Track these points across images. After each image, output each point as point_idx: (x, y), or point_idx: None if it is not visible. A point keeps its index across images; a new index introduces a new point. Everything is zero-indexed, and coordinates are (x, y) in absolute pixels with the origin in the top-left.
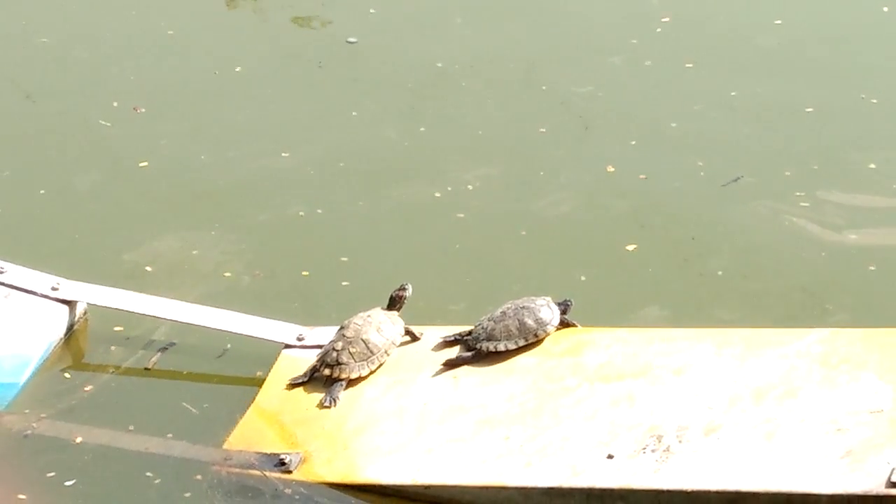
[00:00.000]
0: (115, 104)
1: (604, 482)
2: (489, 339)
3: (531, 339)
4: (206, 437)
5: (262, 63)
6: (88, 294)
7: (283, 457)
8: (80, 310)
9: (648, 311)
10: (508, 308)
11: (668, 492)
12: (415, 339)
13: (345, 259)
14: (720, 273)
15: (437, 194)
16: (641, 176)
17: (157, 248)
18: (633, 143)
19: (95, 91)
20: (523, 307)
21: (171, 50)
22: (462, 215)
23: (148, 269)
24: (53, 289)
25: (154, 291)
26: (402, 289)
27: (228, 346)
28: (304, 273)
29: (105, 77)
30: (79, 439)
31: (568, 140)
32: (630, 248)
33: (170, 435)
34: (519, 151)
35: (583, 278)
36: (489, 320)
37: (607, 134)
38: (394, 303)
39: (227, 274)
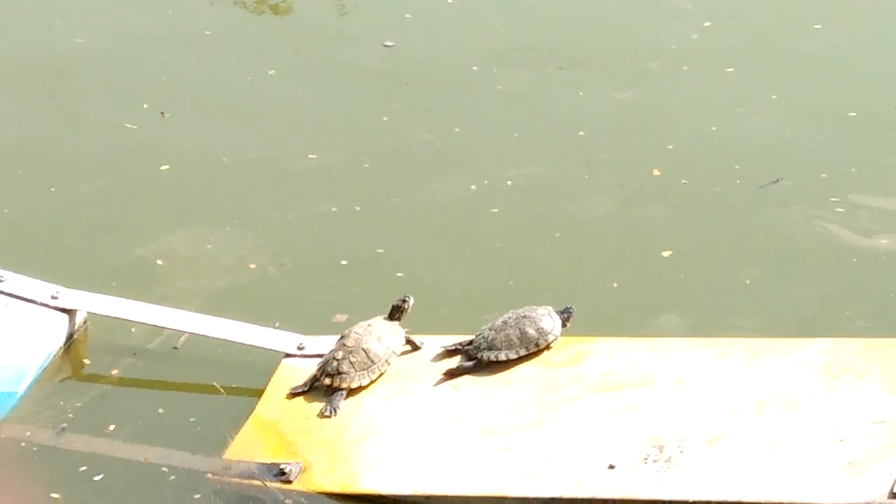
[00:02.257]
0: (145, 106)
1: (605, 492)
2: (490, 348)
3: (532, 349)
4: (206, 447)
5: (297, 67)
6: (88, 303)
7: (283, 467)
8: (79, 319)
9: (667, 319)
10: (509, 317)
11: (670, 502)
12: (415, 348)
13: (381, 251)
14: (748, 282)
15: (473, 187)
16: (683, 181)
17: (170, 243)
18: (671, 147)
19: (126, 93)
20: (524, 316)
21: (207, 51)
22: (496, 210)
23: (158, 262)
24: (53, 297)
25: (166, 285)
26: (404, 300)
27: (229, 355)
28: (343, 262)
29: (137, 79)
30: (77, 449)
31: (608, 144)
32: (666, 254)
33: (170, 445)
34: (556, 153)
35: (615, 285)
36: (490, 329)
37: (647, 138)
38: (395, 312)
39: (252, 266)
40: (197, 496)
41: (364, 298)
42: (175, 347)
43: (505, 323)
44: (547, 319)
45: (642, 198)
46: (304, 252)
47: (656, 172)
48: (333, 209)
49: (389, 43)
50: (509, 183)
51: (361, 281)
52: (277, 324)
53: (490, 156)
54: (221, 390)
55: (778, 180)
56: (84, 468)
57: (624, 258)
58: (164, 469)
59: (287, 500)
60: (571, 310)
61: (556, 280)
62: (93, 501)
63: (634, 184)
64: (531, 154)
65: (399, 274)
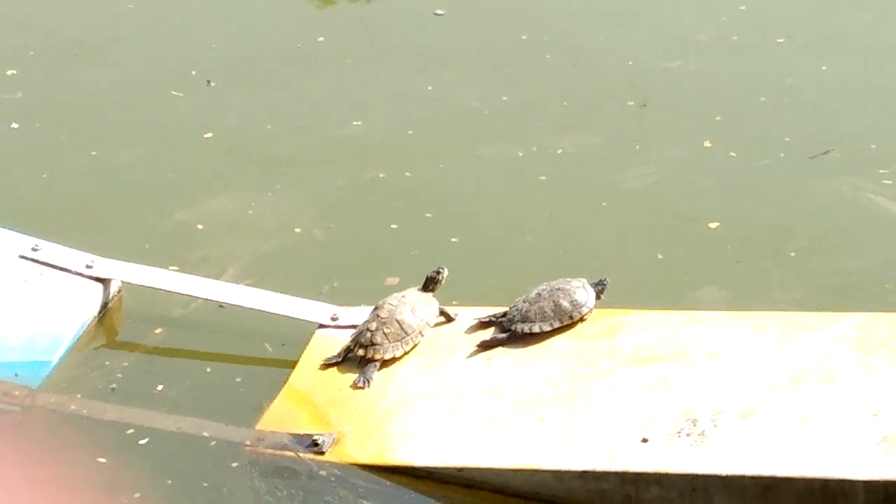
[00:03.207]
0: (193, 73)
1: (638, 466)
2: (524, 320)
3: (566, 322)
4: (241, 417)
5: (346, 35)
6: (123, 272)
7: (316, 438)
8: (114, 288)
9: (707, 292)
10: (543, 289)
11: (703, 476)
12: (449, 319)
13: (429, 215)
14: (792, 254)
15: (521, 153)
16: (732, 153)
17: (211, 207)
18: (718, 118)
19: (175, 60)
20: (558, 289)
21: (258, 18)
22: (544, 178)
23: (199, 226)
24: (88, 266)
25: (207, 248)
26: (438, 272)
27: (264, 324)
28: (394, 226)
29: (187, 45)
30: (110, 418)
31: (656, 114)
32: (713, 225)
33: (203, 415)
34: (604, 123)
35: (660, 256)
36: (524, 301)
37: (697, 108)
38: (429, 284)
39: (297, 230)
40: (235, 464)
41: (415, 262)
42: (221, 306)
43: (539, 295)
44: (581, 292)
45: (692, 168)
46: (352, 216)
47: (707, 144)
48: (381, 175)
49: (440, 11)
50: (559, 151)
51: (412, 245)
52: (326, 288)
53: (538, 124)
54: (269, 348)
55: (828, 151)
56: (120, 437)
57: (671, 229)
58: (205, 434)
59: (320, 471)
60: (605, 282)
61: (602, 251)
62: (139, 465)
63: (684, 154)
64: (579, 123)
65: (454, 239)
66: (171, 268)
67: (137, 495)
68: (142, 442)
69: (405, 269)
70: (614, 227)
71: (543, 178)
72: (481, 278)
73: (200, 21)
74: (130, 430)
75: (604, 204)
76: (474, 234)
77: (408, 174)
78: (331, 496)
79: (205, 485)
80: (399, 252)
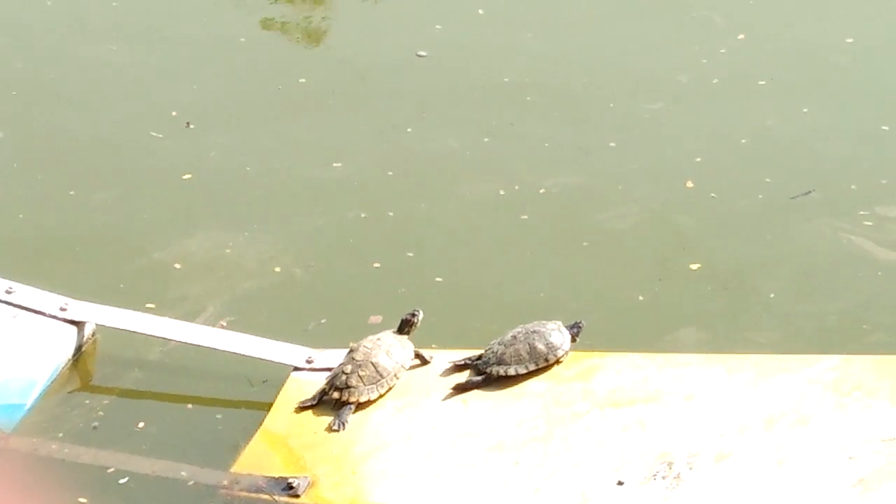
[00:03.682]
0: (174, 114)
1: None
2: (499, 363)
3: (542, 364)
4: (216, 460)
5: (328, 75)
6: (97, 315)
7: (291, 481)
8: (88, 330)
9: (686, 333)
10: (519, 332)
11: None
12: (424, 362)
13: (410, 254)
14: (772, 295)
15: (502, 192)
16: (712, 194)
17: (189, 247)
18: (699, 159)
19: (155, 101)
20: (534, 331)
21: (240, 59)
22: (525, 217)
23: (176, 266)
24: (62, 309)
25: (186, 288)
26: (413, 315)
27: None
28: (376, 265)
29: (169, 86)
30: (85, 461)
31: (638, 155)
32: (694, 266)
33: (178, 458)
34: (586, 163)
35: (640, 298)
36: (499, 344)
37: (678, 150)
38: (404, 327)
39: (277, 269)
40: (220, 495)
41: (398, 300)
42: (223, 325)
43: (514, 338)
44: (556, 334)
45: (673, 209)
46: (333, 256)
47: (689, 184)
48: (363, 215)
49: (422, 53)
50: (541, 191)
51: (395, 283)
52: (312, 325)
53: (519, 165)
54: (252, 385)
55: (810, 192)
56: (93, 479)
57: (652, 270)
58: (182, 475)
59: None
60: (581, 324)
61: (583, 291)
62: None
63: (665, 195)
64: (560, 163)
65: (438, 279)
66: (147, 306)
67: None
68: (121, 481)
69: (388, 308)
70: (595, 267)
71: (525, 217)
72: (462, 318)
73: (182, 62)
74: (110, 470)
75: (585, 244)
76: (456, 273)
77: (390, 213)
78: None
79: None
80: (382, 291)
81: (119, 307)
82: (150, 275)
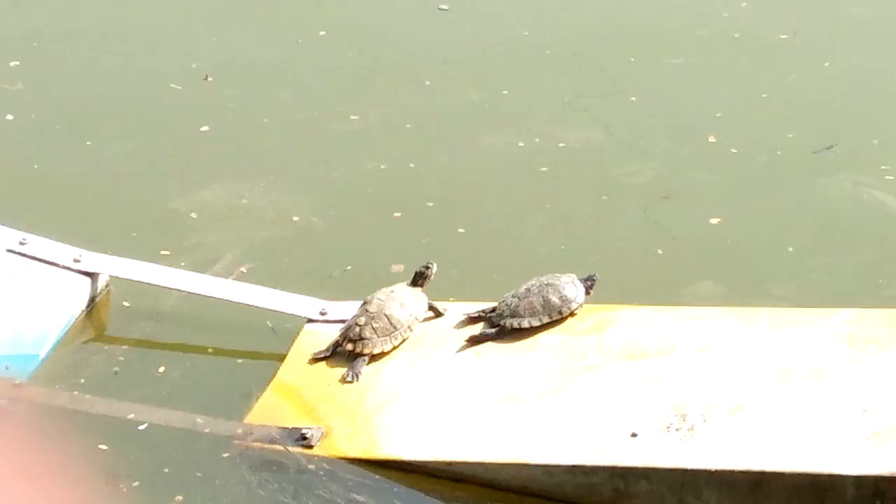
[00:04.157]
0: (194, 66)
1: (627, 461)
2: (513, 315)
3: (555, 317)
4: (229, 411)
5: (349, 28)
6: (110, 266)
7: (304, 431)
8: (102, 282)
9: (702, 287)
10: (532, 285)
11: (692, 471)
12: (438, 314)
13: (430, 204)
14: (790, 250)
15: (521, 144)
16: (733, 149)
17: (205, 197)
18: (720, 114)
19: (176, 53)
20: (548, 284)
21: (260, 13)
22: (545, 170)
23: (193, 215)
24: (75, 261)
25: (203, 237)
26: (427, 267)
27: (252, 319)
28: (396, 214)
29: (190, 38)
30: (99, 411)
31: (659, 110)
32: (714, 221)
33: (191, 409)
34: (607, 119)
35: (659, 251)
36: (513, 297)
37: (699, 104)
38: (418, 279)
39: (295, 218)
40: (226, 455)
41: (419, 250)
42: (242, 271)
43: (528, 290)
44: (570, 287)
45: (694, 164)
46: (353, 206)
47: (711, 139)
48: (382, 166)
49: (444, 6)
50: (561, 145)
51: (416, 233)
52: (337, 272)
53: (539, 118)
54: (274, 330)
55: (832, 146)
56: (106, 430)
57: (671, 224)
58: (196, 423)
59: (309, 465)
60: (595, 277)
61: (603, 246)
62: (138, 452)
63: (686, 150)
64: (580, 118)
65: (461, 230)
66: (162, 253)
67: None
68: (140, 428)
69: (409, 257)
70: (614, 221)
71: (545, 169)
72: (483, 270)
73: (203, 14)
74: (130, 416)
75: (604, 197)
76: (476, 225)
77: (411, 165)
78: (322, 490)
79: (199, 475)
80: (403, 240)
81: (134, 256)
82: (165, 224)
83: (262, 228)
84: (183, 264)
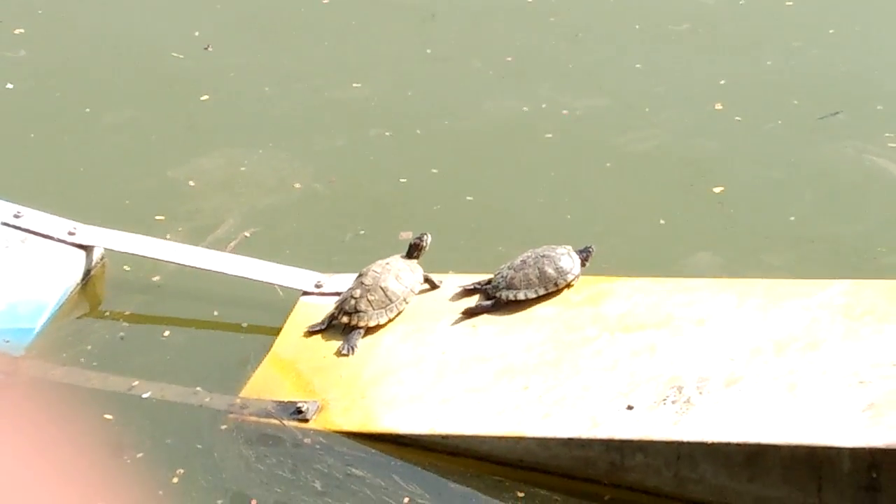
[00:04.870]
0: (196, 34)
1: (623, 433)
2: (509, 287)
3: (551, 289)
4: (223, 385)
5: None
6: (105, 239)
7: (300, 405)
8: (97, 255)
9: (700, 258)
10: (528, 257)
11: (688, 443)
12: (434, 286)
13: (435, 171)
14: (792, 218)
15: (526, 108)
16: (737, 118)
17: (203, 165)
18: (723, 82)
19: (179, 20)
20: (544, 256)
21: None
22: (550, 136)
23: (191, 183)
24: (70, 233)
25: (203, 203)
26: (421, 238)
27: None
28: (403, 180)
29: (193, 5)
30: (94, 385)
31: (663, 77)
32: (717, 190)
33: (187, 382)
34: (611, 86)
35: (662, 221)
36: (509, 269)
37: (704, 71)
38: (413, 251)
39: (297, 185)
40: (223, 427)
41: (428, 216)
42: (246, 235)
43: (524, 262)
44: (566, 259)
45: (699, 132)
46: (356, 172)
47: (718, 106)
48: (387, 133)
49: None
50: (565, 112)
51: (421, 199)
52: (349, 236)
53: (543, 85)
54: (280, 291)
55: (837, 113)
56: (101, 403)
57: (675, 194)
58: (192, 397)
59: (304, 439)
60: (591, 249)
61: (605, 214)
62: (140, 423)
63: (691, 118)
64: (584, 85)
65: (468, 197)
66: (157, 218)
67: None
68: (144, 396)
69: (417, 224)
70: (618, 189)
71: (549, 135)
72: (487, 240)
73: None
74: (126, 389)
75: (608, 164)
76: (480, 193)
77: (418, 131)
78: (319, 464)
79: (199, 446)
80: (409, 206)
81: (131, 223)
82: (162, 192)
83: (265, 196)
84: (180, 229)
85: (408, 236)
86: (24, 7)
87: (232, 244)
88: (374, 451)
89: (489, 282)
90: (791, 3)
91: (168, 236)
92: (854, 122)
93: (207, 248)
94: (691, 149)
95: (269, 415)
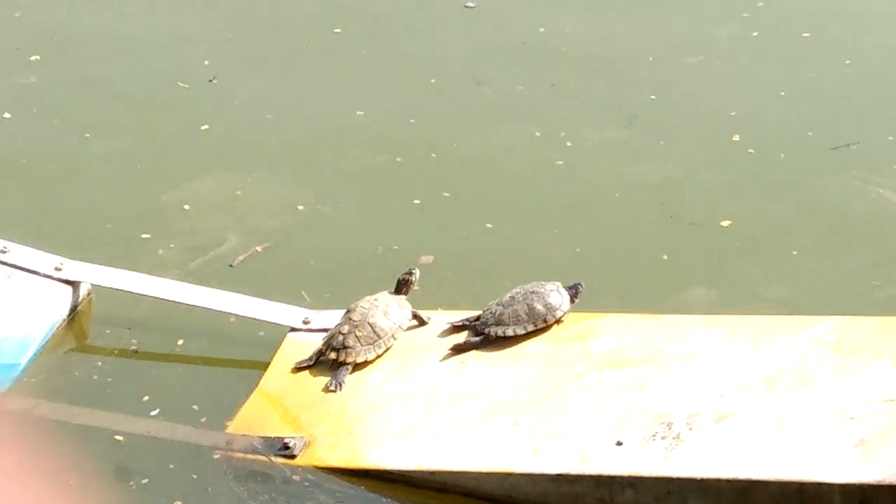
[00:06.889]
0: (206, 63)
1: (612, 469)
2: (497, 323)
3: (540, 325)
4: (210, 421)
5: (367, 24)
6: (92, 275)
7: (287, 441)
8: (83, 290)
9: (695, 293)
10: (517, 292)
11: (678, 479)
12: (422, 323)
13: (447, 194)
14: (795, 253)
15: (538, 133)
16: (750, 150)
17: (198, 189)
18: (734, 113)
19: (187, 50)
20: (532, 292)
21: (280, 7)
22: (561, 163)
23: (186, 207)
24: (56, 269)
25: (200, 228)
26: (410, 273)
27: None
28: (416, 201)
29: (202, 34)
30: (80, 421)
31: (677, 109)
32: (725, 223)
33: (172, 419)
34: (624, 118)
35: (665, 257)
36: (497, 304)
37: (717, 103)
38: (401, 287)
39: (301, 207)
40: (212, 464)
41: (446, 241)
42: (231, 265)
43: (513, 298)
44: (555, 295)
45: (710, 165)
46: (365, 195)
47: (735, 138)
48: (398, 159)
49: (471, 4)
50: (569, 144)
51: (439, 223)
52: (380, 249)
53: (556, 116)
54: (307, 297)
55: (851, 145)
56: (86, 439)
57: (682, 227)
58: (177, 434)
59: (293, 476)
60: (580, 286)
61: (610, 248)
62: (125, 459)
63: (703, 150)
64: (598, 116)
65: (488, 224)
66: (143, 237)
67: None
68: (118, 439)
69: (437, 249)
70: (624, 222)
71: (560, 163)
72: (494, 266)
73: (220, 13)
74: (111, 426)
75: (616, 195)
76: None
77: (432, 155)
78: (310, 501)
79: (191, 483)
80: (424, 230)
81: (122, 247)
82: (158, 214)
83: (271, 217)
84: (172, 245)
85: (429, 260)
86: (42, 35)
87: (241, 257)
88: (362, 488)
89: (478, 318)
90: (808, 35)
91: (159, 271)
92: (863, 154)
93: (208, 262)
94: (702, 182)
95: (256, 451)
